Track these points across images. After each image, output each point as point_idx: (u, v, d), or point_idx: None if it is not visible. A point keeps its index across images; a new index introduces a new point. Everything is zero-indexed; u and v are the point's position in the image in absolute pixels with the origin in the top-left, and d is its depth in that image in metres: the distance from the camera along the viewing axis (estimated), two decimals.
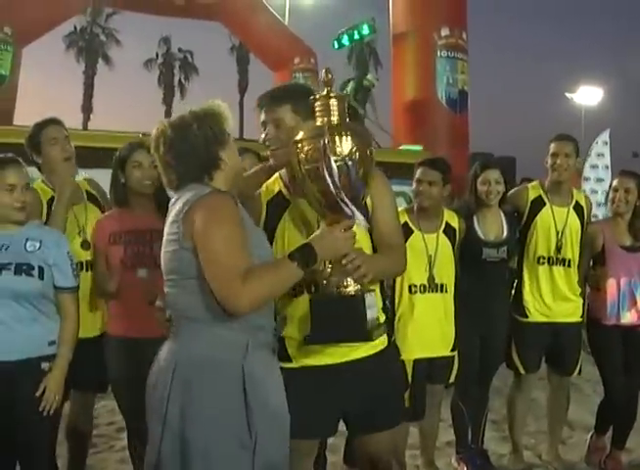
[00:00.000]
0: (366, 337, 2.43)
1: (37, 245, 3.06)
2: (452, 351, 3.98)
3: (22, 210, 3.05)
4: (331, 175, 2.28)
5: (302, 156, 2.36)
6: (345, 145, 2.32)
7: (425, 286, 3.87)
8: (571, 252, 4.22)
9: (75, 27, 40.74)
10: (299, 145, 2.37)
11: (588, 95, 38.70)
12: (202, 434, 2.31)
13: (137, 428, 3.55)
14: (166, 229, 2.42)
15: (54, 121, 3.69)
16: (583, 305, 4.35)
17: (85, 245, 3.62)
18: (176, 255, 2.35)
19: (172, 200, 2.46)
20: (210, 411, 2.31)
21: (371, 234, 2.68)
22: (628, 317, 4.23)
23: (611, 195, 4.31)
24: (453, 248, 3.98)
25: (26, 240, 3.06)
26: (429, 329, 3.85)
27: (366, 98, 14.13)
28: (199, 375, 2.33)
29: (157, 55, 45.59)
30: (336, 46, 18.29)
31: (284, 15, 21.60)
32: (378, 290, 2.72)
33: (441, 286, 3.91)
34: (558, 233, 4.17)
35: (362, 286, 2.41)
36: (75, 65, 42.08)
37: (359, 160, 2.34)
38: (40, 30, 16.50)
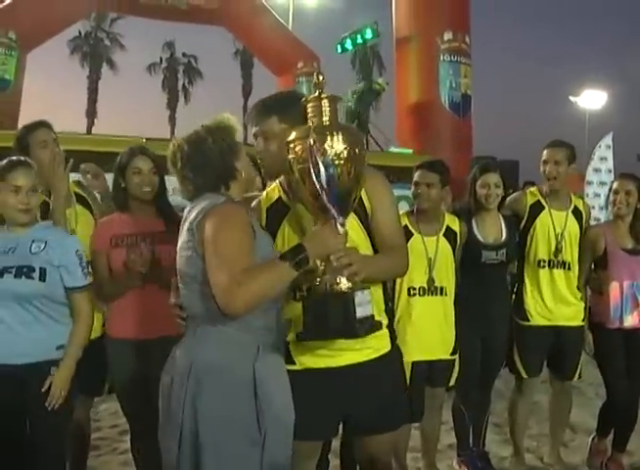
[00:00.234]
0: (354, 334, 2.45)
1: (42, 246, 3.04)
2: (453, 354, 3.98)
3: (26, 212, 3.04)
4: (317, 175, 2.32)
5: (293, 156, 2.41)
6: (335, 144, 2.36)
7: (424, 289, 3.87)
8: (571, 255, 4.22)
9: (80, 32, 40.92)
10: (291, 145, 2.42)
11: (592, 99, 38.68)
12: (214, 432, 2.40)
13: (140, 430, 3.57)
14: (182, 236, 2.52)
15: (43, 124, 3.67)
16: (585, 308, 4.35)
17: None
18: (190, 260, 2.46)
19: (188, 208, 2.54)
20: (222, 410, 2.41)
21: (372, 236, 2.69)
22: (631, 320, 4.23)
23: (611, 198, 4.31)
24: (454, 251, 3.98)
25: (32, 242, 3.05)
26: (427, 332, 3.85)
27: (372, 101, 14.13)
28: (212, 374, 2.43)
29: (161, 59, 45.75)
30: (339, 50, 18.36)
31: (287, 19, 21.69)
32: (380, 291, 2.73)
33: (441, 289, 3.91)
34: (557, 236, 4.18)
35: (354, 284, 2.42)
36: (80, 69, 42.23)
37: (349, 159, 2.37)
38: (44, 35, 16.58)
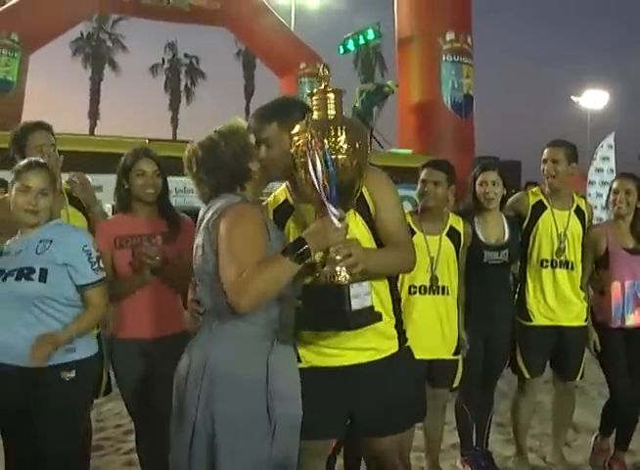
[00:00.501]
0: (346, 326, 2.46)
1: (47, 245, 3.01)
2: (455, 354, 3.99)
3: (33, 213, 3.02)
4: (314, 168, 2.35)
5: (294, 149, 2.45)
6: (339, 137, 2.39)
7: (425, 287, 3.88)
8: (574, 254, 4.22)
9: (82, 34, 41.00)
10: (294, 139, 2.46)
11: (594, 98, 38.65)
12: (229, 426, 2.48)
13: (145, 430, 3.59)
14: (199, 234, 2.59)
15: (42, 126, 3.64)
16: (587, 308, 4.35)
17: None
18: (205, 258, 2.53)
19: (204, 208, 2.61)
20: (237, 405, 2.49)
21: (377, 235, 2.69)
22: (632, 320, 4.23)
23: (611, 197, 4.31)
24: (457, 251, 3.99)
25: (40, 242, 3.03)
26: (428, 331, 3.83)
27: (379, 103, 14.10)
28: (226, 371, 2.50)
29: (163, 60, 45.80)
30: (341, 51, 18.38)
31: (289, 20, 21.69)
32: (387, 290, 2.73)
33: (443, 288, 3.92)
34: (560, 235, 4.18)
35: (353, 276, 2.43)
36: (82, 71, 42.33)
37: (351, 152, 2.40)
38: (47, 37, 16.62)
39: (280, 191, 2.83)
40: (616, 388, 4.34)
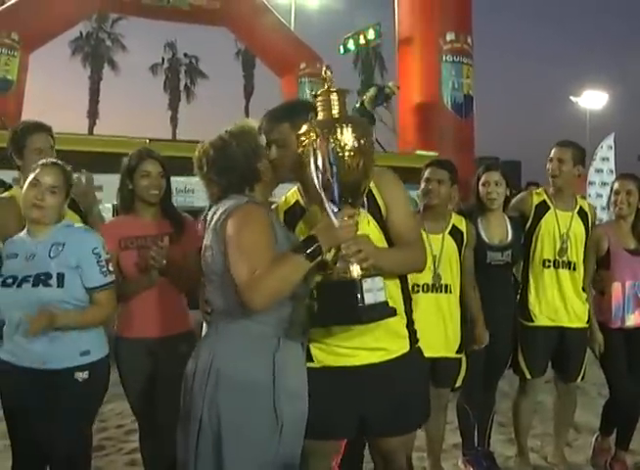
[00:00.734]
0: (358, 320, 2.46)
1: (60, 248, 3.00)
2: (458, 352, 4.00)
3: (38, 208, 3.01)
4: (317, 167, 2.38)
5: (301, 148, 2.48)
6: (344, 136, 2.41)
7: (428, 286, 3.89)
8: (576, 255, 4.23)
9: (81, 33, 40.93)
10: (301, 138, 2.49)
11: (593, 99, 38.66)
12: (235, 423, 2.49)
13: (150, 429, 3.59)
14: (207, 235, 2.60)
15: (42, 128, 3.62)
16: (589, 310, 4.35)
17: None
18: (213, 258, 2.55)
19: (213, 209, 2.62)
20: (243, 402, 2.49)
21: (388, 235, 2.70)
22: (633, 320, 4.25)
23: (612, 198, 4.33)
24: (459, 250, 4.01)
25: (52, 245, 3.02)
26: (431, 329, 3.81)
27: (381, 105, 14.06)
28: (232, 367, 2.51)
29: (162, 60, 45.76)
30: (342, 51, 18.35)
31: (290, 20, 21.67)
32: (398, 290, 2.74)
33: (446, 286, 3.94)
34: (562, 236, 4.19)
35: (365, 271, 2.45)
36: (81, 70, 42.26)
37: (357, 151, 2.42)
38: (47, 36, 16.61)
39: (291, 193, 2.84)
40: (616, 388, 4.36)
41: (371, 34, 17.35)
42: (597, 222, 4.50)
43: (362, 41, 17.74)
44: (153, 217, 3.60)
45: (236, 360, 2.52)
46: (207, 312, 2.90)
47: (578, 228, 4.24)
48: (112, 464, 4.61)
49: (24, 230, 3.12)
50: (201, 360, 2.59)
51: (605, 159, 12.23)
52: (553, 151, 4.27)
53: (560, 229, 4.20)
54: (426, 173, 4.01)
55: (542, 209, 4.25)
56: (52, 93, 58.02)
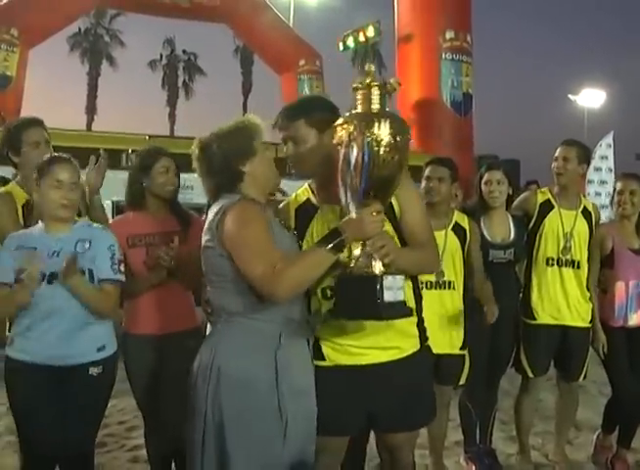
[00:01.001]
0: (379, 316, 2.46)
1: (87, 245, 3.03)
2: (462, 349, 4.00)
3: (67, 207, 3.02)
4: (348, 162, 2.39)
5: (335, 141, 2.47)
6: (381, 131, 2.40)
7: (431, 282, 3.90)
8: (580, 254, 4.23)
9: (80, 29, 40.87)
10: (337, 129, 2.47)
11: (591, 97, 38.72)
12: (237, 420, 2.49)
13: (156, 426, 3.60)
14: (203, 235, 2.58)
15: (36, 123, 3.60)
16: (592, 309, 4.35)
17: None
18: (212, 259, 2.53)
19: (211, 209, 2.61)
20: (245, 399, 2.49)
21: (402, 236, 2.71)
22: (635, 319, 4.26)
23: (616, 198, 4.34)
24: (462, 247, 4.01)
25: (77, 242, 3.03)
26: (434, 325, 3.82)
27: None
28: (233, 363, 2.51)
29: (161, 56, 45.74)
30: (341, 48, 18.32)
31: (289, 17, 21.65)
32: (410, 290, 2.74)
33: (449, 283, 3.95)
34: (566, 234, 4.19)
35: (386, 268, 2.45)
36: (80, 66, 42.26)
37: (393, 147, 2.41)
38: (46, 32, 16.58)
39: (302, 190, 2.85)
40: (618, 386, 4.37)
41: (370, 32, 17.30)
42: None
43: (362, 38, 17.70)
44: (161, 214, 3.61)
45: (236, 358, 2.52)
46: (209, 312, 2.91)
47: (582, 227, 4.25)
48: (114, 461, 4.62)
49: (38, 226, 3.11)
50: (203, 358, 2.60)
51: (604, 157, 12.19)
52: (558, 149, 4.28)
53: (564, 228, 4.21)
54: (426, 171, 4.04)
55: (546, 207, 4.26)
56: (50, 89, 57.79)
